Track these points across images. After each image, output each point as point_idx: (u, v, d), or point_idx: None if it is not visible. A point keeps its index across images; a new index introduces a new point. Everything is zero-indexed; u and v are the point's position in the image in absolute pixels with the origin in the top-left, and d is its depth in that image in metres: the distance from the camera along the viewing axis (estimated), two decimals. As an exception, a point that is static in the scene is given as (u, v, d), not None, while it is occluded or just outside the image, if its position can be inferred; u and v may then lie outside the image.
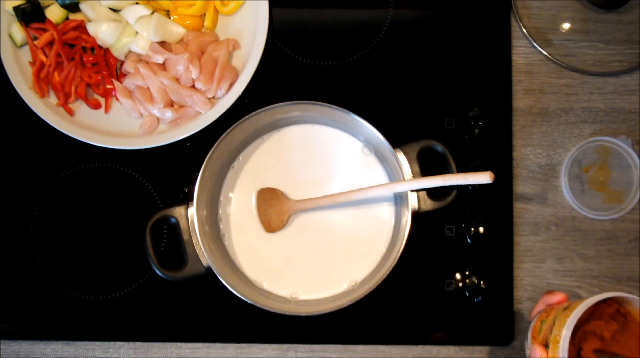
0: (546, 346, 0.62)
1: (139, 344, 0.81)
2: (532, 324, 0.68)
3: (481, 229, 0.81)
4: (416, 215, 0.75)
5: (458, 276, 0.81)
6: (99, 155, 0.83)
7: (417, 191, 0.75)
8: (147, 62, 0.83)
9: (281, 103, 0.76)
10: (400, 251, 0.72)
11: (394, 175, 0.78)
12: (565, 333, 0.59)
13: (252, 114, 0.75)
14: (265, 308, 0.72)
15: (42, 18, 0.82)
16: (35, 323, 0.81)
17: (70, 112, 0.83)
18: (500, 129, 0.83)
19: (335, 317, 0.73)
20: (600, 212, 0.82)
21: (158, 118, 0.83)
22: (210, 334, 0.81)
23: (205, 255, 0.74)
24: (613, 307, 0.63)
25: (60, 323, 0.81)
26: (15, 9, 0.81)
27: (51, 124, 0.81)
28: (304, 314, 0.75)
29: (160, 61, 0.82)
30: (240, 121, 0.75)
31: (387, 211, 0.80)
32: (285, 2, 0.87)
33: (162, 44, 0.83)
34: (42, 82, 0.82)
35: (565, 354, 0.58)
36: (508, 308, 0.80)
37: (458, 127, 0.83)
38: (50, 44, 0.82)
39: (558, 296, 0.67)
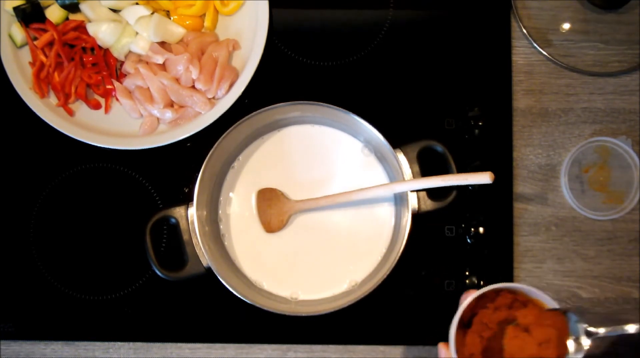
0: None
1: (139, 344, 0.81)
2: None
3: (481, 229, 0.81)
4: (416, 215, 0.75)
5: (458, 276, 0.81)
6: (99, 155, 0.83)
7: (417, 191, 0.75)
8: (147, 63, 0.83)
9: (281, 103, 0.76)
10: (401, 251, 0.72)
11: (394, 175, 0.78)
12: (451, 332, 0.64)
13: (252, 114, 0.75)
14: (265, 308, 0.72)
15: (42, 18, 0.82)
16: (35, 323, 0.81)
17: (70, 113, 0.83)
18: (500, 129, 0.83)
19: (335, 317, 0.73)
20: (600, 212, 0.82)
21: (158, 118, 0.83)
22: (210, 334, 0.81)
23: (205, 255, 0.74)
24: (509, 298, 0.66)
25: (61, 323, 0.81)
26: (15, 9, 0.81)
27: (51, 124, 0.81)
28: (304, 314, 0.75)
29: (160, 61, 0.82)
30: (240, 121, 0.75)
31: (387, 212, 0.80)
32: (285, 2, 0.87)
33: (162, 44, 0.83)
34: (42, 82, 0.82)
35: (454, 353, 0.64)
36: (508, 309, 0.80)
37: (458, 128, 0.83)
38: (50, 44, 0.82)
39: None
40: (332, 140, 0.81)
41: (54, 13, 0.83)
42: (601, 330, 0.61)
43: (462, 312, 0.65)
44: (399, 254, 0.72)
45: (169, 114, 0.82)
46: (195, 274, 0.75)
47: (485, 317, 0.66)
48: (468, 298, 0.65)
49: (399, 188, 0.75)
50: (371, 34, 0.86)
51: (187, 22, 0.84)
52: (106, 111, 0.84)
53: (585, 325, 0.62)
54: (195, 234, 0.75)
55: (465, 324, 0.67)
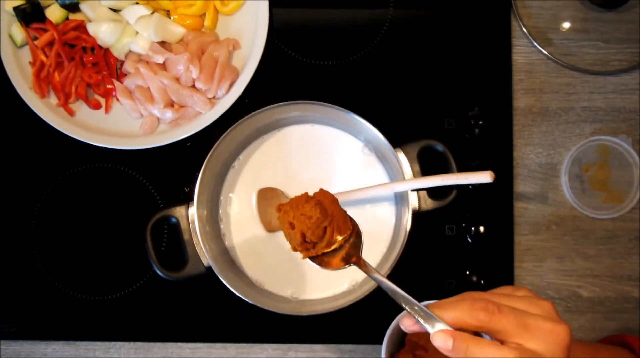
0: None
1: (139, 344, 0.81)
2: None
3: (482, 228, 0.81)
4: (417, 215, 0.74)
5: (458, 275, 0.81)
6: (99, 155, 0.83)
7: (417, 190, 0.75)
8: (147, 62, 0.83)
9: (281, 103, 0.76)
10: (401, 250, 0.72)
11: (394, 175, 0.78)
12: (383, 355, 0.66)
13: (252, 114, 0.75)
14: (266, 308, 0.72)
15: (42, 18, 0.82)
16: (36, 323, 0.81)
17: (71, 113, 0.83)
18: (501, 128, 0.83)
19: (336, 316, 0.73)
20: (601, 211, 0.82)
21: (158, 118, 0.83)
22: (210, 334, 0.81)
23: (205, 255, 0.74)
24: None
25: (61, 323, 0.81)
26: (16, 9, 0.81)
27: (51, 124, 0.81)
28: (304, 314, 0.75)
29: (161, 61, 0.82)
30: (241, 121, 0.75)
31: (387, 211, 0.80)
32: (285, 2, 0.87)
33: (162, 44, 0.83)
34: (42, 82, 0.82)
35: None
36: (508, 308, 0.80)
37: (458, 127, 0.83)
38: (50, 44, 0.82)
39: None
40: (332, 139, 0.81)
41: (54, 13, 0.83)
42: None
43: (391, 335, 0.66)
44: (400, 253, 0.72)
45: (169, 114, 0.82)
46: (196, 274, 0.75)
47: (414, 335, 0.67)
48: (392, 323, 0.66)
49: (399, 187, 0.75)
50: (371, 34, 0.86)
51: (187, 22, 0.84)
52: (106, 111, 0.83)
53: None
54: (196, 234, 0.75)
55: (402, 344, 0.69)
